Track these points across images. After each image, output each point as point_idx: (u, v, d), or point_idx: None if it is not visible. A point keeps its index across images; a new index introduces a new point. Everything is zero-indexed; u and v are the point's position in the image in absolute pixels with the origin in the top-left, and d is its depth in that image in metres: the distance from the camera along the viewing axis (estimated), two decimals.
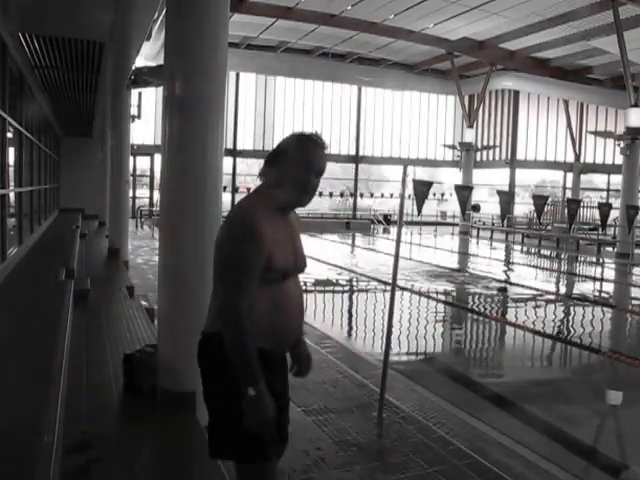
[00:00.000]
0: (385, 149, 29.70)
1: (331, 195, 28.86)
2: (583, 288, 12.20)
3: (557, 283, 13.43)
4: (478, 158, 28.99)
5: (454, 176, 27.50)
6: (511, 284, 11.76)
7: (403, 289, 9.90)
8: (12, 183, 8.16)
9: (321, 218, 27.20)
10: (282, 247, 1.88)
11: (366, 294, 10.68)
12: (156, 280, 4.49)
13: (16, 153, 8.62)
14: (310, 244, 18.71)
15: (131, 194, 20.63)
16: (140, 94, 16.13)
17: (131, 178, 17.23)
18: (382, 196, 30.17)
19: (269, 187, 1.94)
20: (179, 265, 3.73)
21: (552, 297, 10.72)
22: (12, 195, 8.05)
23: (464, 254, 18.64)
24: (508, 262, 17.04)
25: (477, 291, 10.89)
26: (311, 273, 12.00)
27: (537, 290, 10.97)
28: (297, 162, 1.89)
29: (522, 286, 11.30)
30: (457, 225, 26.72)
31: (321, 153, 1.94)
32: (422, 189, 5.57)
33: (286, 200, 1.93)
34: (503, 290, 10.85)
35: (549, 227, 24.54)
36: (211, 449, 1.94)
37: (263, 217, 1.84)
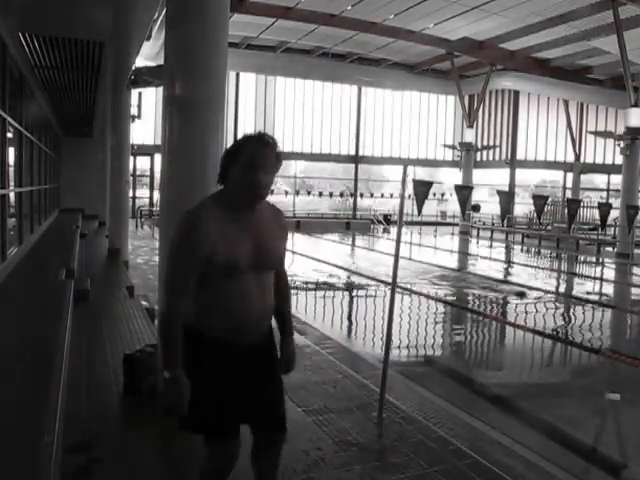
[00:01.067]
0: (385, 149, 29.71)
1: (331, 195, 28.88)
2: (583, 288, 12.20)
3: (557, 283, 13.42)
4: (478, 158, 28.99)
5: (454, 176, 27.50)
6: (512, 284, 11.76)
7: (404, 289, 9.90)
8: (12, 183, 8.16)
9: (321, 218, 27.22)
10: (230, 243, 1.96)
11: (366, 294, 10.68)
12: (156, 280, 4.50)
13: (16, 153, 8.61)
14: (310, 244, 18.73)
15: (131, 194, 20.63)
16: (140, 94, 16.12)
17: (131, 178, 17.23)
18: (382, 196, 30.17)
19: (225, 188, 2.06)
20: None
21: (552, 297, 10.71)
22: (12, 195, 8.05)
23: (464, 254, 18.65)
24: (509, 262, 17.05)
25: (476, 291, 10.89)
26: (311, 273, 12.01)
27: (537, 290, 10.97)
28: (241, 162, 1.99)
29: (522, 286, 11.30)
30: (457, 225, 26.72)
31: (265, 150, 2.02)
32: (422, 189, 5.57)
33: (237, 198, 2.02)
34: (521, 294, 10.40)
35: (549, 227, 24.54)
36: (179, 423, 2.12)
37: (210, 214, 1.97)
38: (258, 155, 2.00)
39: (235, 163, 2.01)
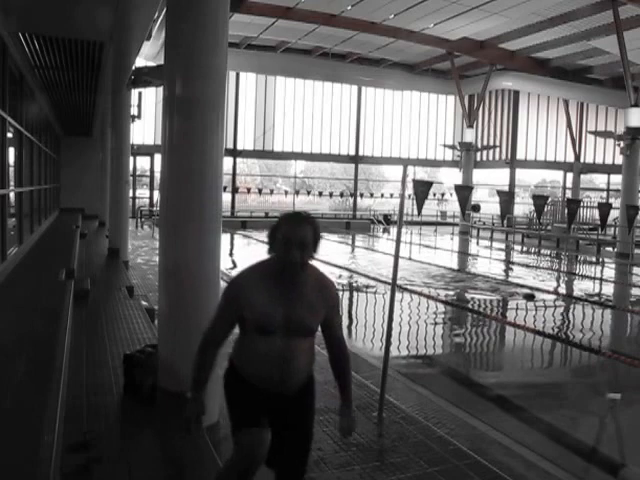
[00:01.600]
0: (385, 149, 29.71)
1: (331, 195, 28.89)
2: (587, 288, 12.19)
3: (557, 283, 13.42)
4: (478, 158, 28.99)
5: (454, 176, 27.51)
6: (512, 284, 11.77)
7: (404, 289, 9.89)
8: (12, 183, 8.16)
9: (321, 218, 27.21)
10: (263, 308, 2.23)
11: (366, 294, 10.68)
12: (156, 280, 4.50)
13: (16, 153, 8.62)
14: None
15: (131, 194, 20.63)
16: (140, 94, 16.13)
17: (131, 178, 17.22)
18: (382, 196, 30.19)
19: (272, 257, 2.31)
20: (179, 265, 3.73)
21: (553, 296, 10.70)
22: (12, 195, 8.05)
23: (465, 254, 18.65)
24: (510, 262, 17.04)
25: (476, 290, 10.89)
26: None
27: (538, 290, 10.96)
28: (279, 238, 2.22)
29: (524, 286, 11.30)
30: (457, 225, 26.72)
31: (299, 227, 2.23)
32: (422, 189, 5.58)
33: (277, 269, 2.26)
34: (530, 297, 9.94)
35: (549, 227, 24.54)
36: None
37: (251, 281, 2.29)
38: (292, 232, 2.20)
39: (276, 238, 2.24)
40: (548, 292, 11.02)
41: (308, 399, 2.46)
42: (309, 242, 2.23)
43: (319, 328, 2.41)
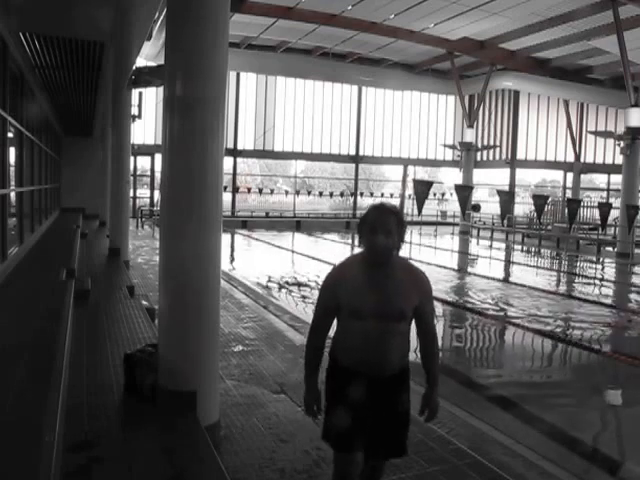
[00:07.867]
0: (385, 149, 29.71)
1: (331, 195, 28.89)
2: (593, 289, 12.20)
3: (557, 282, 13.43)
4: (478, 158, 28.98)
5: (454, 176, 27.51)
6: (506, 281, 11.77)
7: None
8: (13, 183, 8.16)
9: (321, 218, 27.21)
10: (356, 294, 2.38)
11: None
12: (156, 280, 4.50)
13: (17, 153, 8.62)
14: (310, 244, 18.72)
15: (132, 194, 20.63)
16: (141, 94, 16.15)
17: (132, 178, 17.23)
18: (382, 196, 30.17)
19: (363, 250, 2.50)
20: (179, 265, 3.73)
21: (553, 296, 10.70)
22: (13, 195, 8.05)
23: (464, 254, 18.66)
24: (510, 262, 17.05)
25: (475, 290, 10.90)
26: (311, 273, 12.02)
27: (537, 289, 10.97)
28: (366, 228, 2.42)
29: (515, 283, 11.32)
30: (457, 225, 26.72)
31: (384, 217, 2.39)
32: (422, 189, 5.58)
33: (367, 256, 2.45)
34: None
35: (549, 227, 24.54)
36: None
37: (346, 271, 2.47)
38: (378, 222, 2.38)
39: (364, 229, 2.43)
40: (549, 291, 11.01)
41: (400, 386, 2.52)
42: (393, 229, 2.37)
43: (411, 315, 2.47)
